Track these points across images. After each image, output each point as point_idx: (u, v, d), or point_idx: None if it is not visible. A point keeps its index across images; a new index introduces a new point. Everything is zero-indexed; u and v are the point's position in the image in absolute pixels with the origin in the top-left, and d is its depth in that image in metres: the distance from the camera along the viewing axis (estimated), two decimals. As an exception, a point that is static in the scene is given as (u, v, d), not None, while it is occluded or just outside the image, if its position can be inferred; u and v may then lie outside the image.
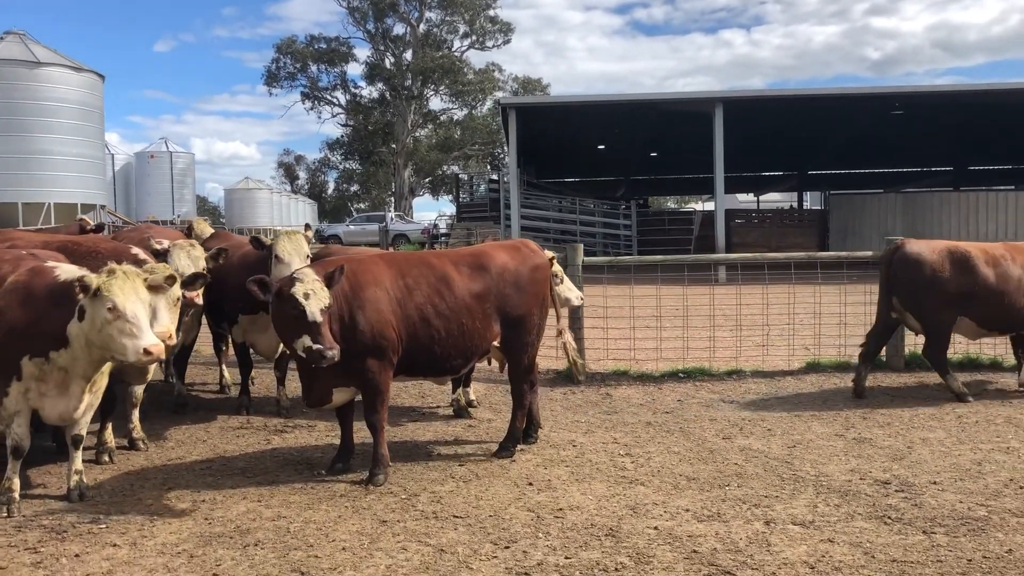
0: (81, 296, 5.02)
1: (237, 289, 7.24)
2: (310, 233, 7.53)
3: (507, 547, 4.78)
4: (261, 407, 8.22)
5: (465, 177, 40.88)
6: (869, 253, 10.40)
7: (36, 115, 28.93)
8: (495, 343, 6.33)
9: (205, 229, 9.87)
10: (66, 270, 5.45)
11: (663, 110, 24.79)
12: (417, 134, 65.03)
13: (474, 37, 63.59)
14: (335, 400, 5.95)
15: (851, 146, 33.62)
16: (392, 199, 71.00)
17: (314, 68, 63.44)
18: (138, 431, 6.82)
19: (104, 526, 5.12)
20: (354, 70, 64.34)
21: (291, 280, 5.58)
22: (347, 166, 73.80)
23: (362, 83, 63.24)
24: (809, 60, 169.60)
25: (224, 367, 9.28)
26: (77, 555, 4.69)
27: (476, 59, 64.68)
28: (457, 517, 5.26)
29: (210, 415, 7.98)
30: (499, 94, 66.90)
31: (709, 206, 62.75)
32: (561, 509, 5.38)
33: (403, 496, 5.65)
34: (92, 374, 5.28)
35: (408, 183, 65.18)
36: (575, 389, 9.00)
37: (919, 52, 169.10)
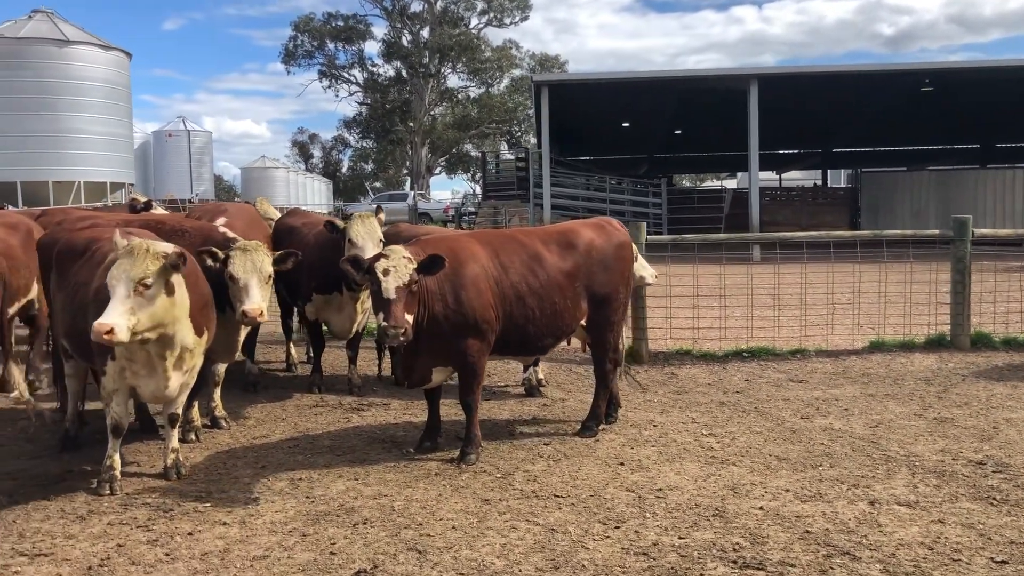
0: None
1: (313, 268, 7.28)
2: (382, 216, 7.50)
3: (617, 527, 4.77)
4: (330, 385, 8.24)
5: (492, 155, 40.62)
6: (936, 231, 10.27)
7: (65, 94, 29.00)
8: (582, 322, 6.30)
9: (268, 209, 9.88)
10: (161, 247, 5.41)
11: (695, 87, 24.58)
12: (434, 112, 64.73)
13: (491, 14, 63.10)
14: (434, 380, 5.94)
15: (877, 123, 33.28)
16: (408, 178, 70.92)
17: (331, 46, 63.19)
18: (220, 410, 6.84)
19: (209, 504, 5.15)
20: (371, 48, 64.11)
21: (378, 256, 5.56)
22: (364, 145, 73.56)
23: (379, 61, 62.92)
24: (822, 37, 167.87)
25: (291, 346, 9.30)
26: (190, 533, 4.71)
27: (492, 37, 64.11)
28: (558, 496, 5.26)
29: (283, 393, 8.01)
30: (516, 72, 66.63)
31: (729, 184, 62.75)
32: (660, 489, 5.37)
33: (498, 475, 5.65)
34: (164, 351, 5.17)
35: (425, 162, 65.01)
36: (639, 368, 8.97)
37: (934, 27, 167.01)
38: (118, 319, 4.67)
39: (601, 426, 6.63)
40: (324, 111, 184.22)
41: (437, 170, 73.10)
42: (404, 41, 61.95)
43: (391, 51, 61.90)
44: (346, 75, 64.34)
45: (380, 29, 62.67)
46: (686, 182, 77.29)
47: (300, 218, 9.34)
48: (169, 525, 4.83)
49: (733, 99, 25.13)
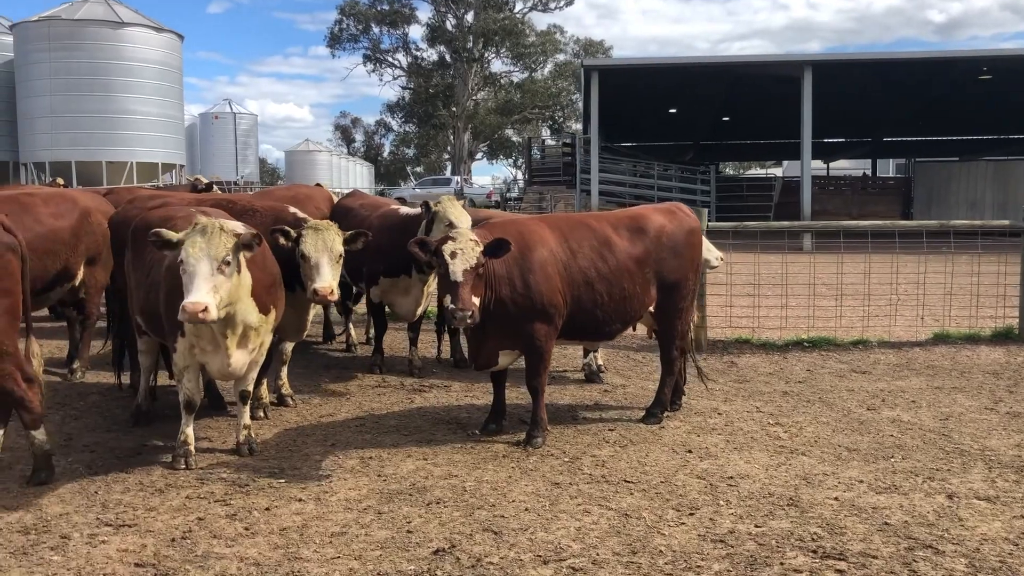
0: (165, 251, 5.03)
1: (380, 250, 7.30)
2: (464, 201, 7.57)
3: (691, 514, 4.74)
4: (390, 366, 8.29)
5: (537, 141, 40.46)
6: (1006, 222, 10.03)
7: (119, 75, 29.43)
8: (650, 308, 6.26)
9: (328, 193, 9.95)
10: (234, 227, 5.47)
11: (747, 73, 24.24)
12: (477, 97, 64.63)
13: (536, -1, 62.77)
14: (501, 363, 5.95)
15: (930, 112, 32.58)
16: (449, 163, 71.02)
17: (376, 30, 63.32)
18: (287, 387, 6.92)
19: (283, 481, 5.21)
20: (415, 32, 64.24)
21: (445, 238, 5.56)
22: (406, 129, 73.72)
23: (423, 45, 62.95)
24: (869, 24, 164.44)
25: (351, 326, 9.38)
26: (267, 509, 4.77)
27: (536, 21, 63.80)
28: (628, 482, 5.24)
29: (345, 373, 8.08)
30: (560, 57, 66.33)
31: (774, 172, 61.90)
32: (731, 477, 5.32)
33: (565, 459, 5.65)
34: (225, 329, 5.21)
35: (467, 147, 65.04)
36: (697, 356, 8.88)
37: (986, 15, 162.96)
38: (208, 297, 4.73)
39: (666, 413, 6.59)
40: (366, 95, 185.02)
41: (478, 155, 73.12)
42: (448, 25, 61.89)
43: (435, 35, 61.91)
44: (390, 59, 64.50)
45: (425, 13, 62.72)
46: (729, 170, 76.54)
47: (358, 199, 9.39)
48: (246, 500, 4.89)
49: (784, 86, 24.73)
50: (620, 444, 5.99)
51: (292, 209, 6.61)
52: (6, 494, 4.95)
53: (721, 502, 4.91)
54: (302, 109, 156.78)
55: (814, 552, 4.25)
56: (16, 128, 31.26)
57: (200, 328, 5.19)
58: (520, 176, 79.40)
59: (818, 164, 58.65)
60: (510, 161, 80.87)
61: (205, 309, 4.69)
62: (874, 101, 30.84)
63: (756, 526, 4.58)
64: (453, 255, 5.38)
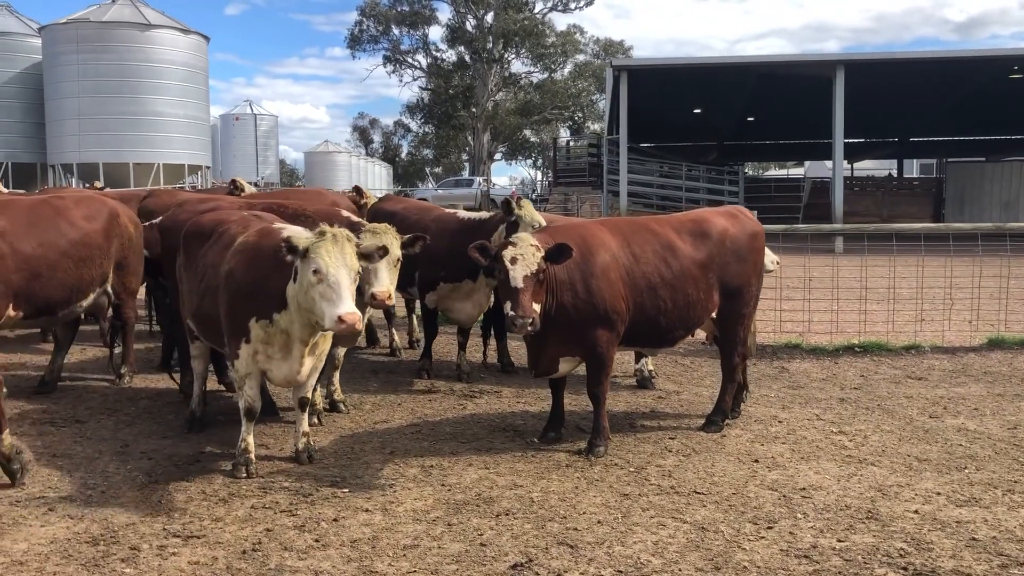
0: (290, 257, 4.88)
1: (439, 256, 7.20)
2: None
3: (769, 527, 4.62)
4: (437, 371, 8.20)
5: (563, 141, 40.30)
6: (1063, 225, 9.81)
7: (146, 77, 29.53)
8: (713, 314, 6.13)
9: (369, 197, 9.87)
10: (293, 231, 5.39)
11: (777, 73, 24.01)
12: (496, 98, 64.53)
13: (557, -1, 62.62)
14: (562, 370, 5.84)
15: (959, 111, 32.16)
16: (468, 163, 70.97)
17: (396, 31, 63.34)
18: (340, 393, 6.84)
19: (347, 490, 5.12)
20: (435, 34, 64.22)
21: (505, 244, 5.46)
22: (426, 130, 73.70)
23: (443, 46, 62.92)
24: (888, 23, 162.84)
25: (393, 330, 9.29)
26: (335, 519, 4.68)
27: (556, 22, 63.69)
28: (698, 494, 5.11)
29: (393, 378, 8.00)
30: (580, 57, 66.12)
31: (795, 172, 61.43)
32: (803, 489, 5.19)
33: (630, 469, 5.53)
34: (309, 337, 5.18)
35: (487, 147, 64.98)
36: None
37: (1006, 14, 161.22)
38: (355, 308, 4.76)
39: (726, 421, 6.47)
40: (383, 96, 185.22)
41: (497, 156, 73.03)
42: (468, 26, 61.84)
43: (455, 36, 61.88)
44: (410, 60, 64.52)
45: (445, 14, 62.60)
46: (748, 170, 75.97)
47: (398, 203, 9.28)
48: (312, 510, 4.81)
49: (812, 85, 24.48)
50: (684, 453, 5.87)
51: (345, 213, 6.52)
52: (70, 503, 4.88)
53: (798, 515, 4.78)
54: (318, 110, 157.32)
55: (904, 569, 4.11)
56: (44, 130, 31.49)
57: (274, 335, 5.15)
58: (539, 177, 79.33)
59: (842, 165, 58.18)
60: (529, 162, 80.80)
61: (359, 320, 4.74)
62: (902, 101, 30.50)
63: (839, 540, 4.44)
64: (513, 260, 5.28)
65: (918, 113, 32.94)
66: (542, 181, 69.94)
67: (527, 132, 70.43)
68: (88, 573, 4.06)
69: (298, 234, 5.17)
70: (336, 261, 4.79)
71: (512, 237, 5.63)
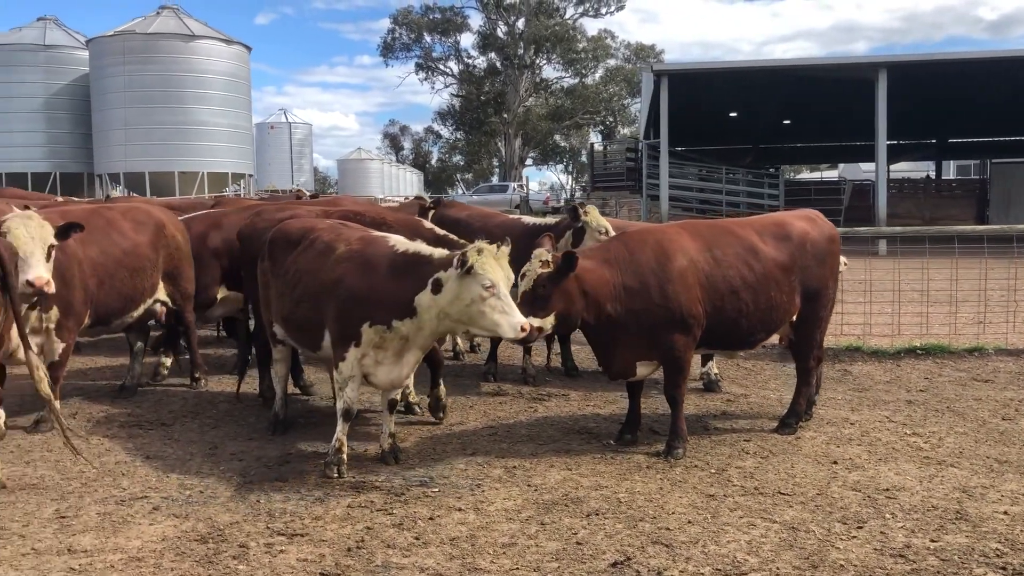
0: (443, 272, 5.07)
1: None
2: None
3: (859, 527, 4.67)
4: (502, 374, 8.31)
5: (600, 146, 40.37)
6: None
7: (190, 87, 30.00)
8: (793, 317, 6.19)
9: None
10: (398, 240, 5.55)
11: (818, 76, 23.91)
12: (528, 103, 64.69)
13: (588, 4, 62.72)
14: (639, 373, 5.92)
15: (1000, 111, 31.75)
16: (498, 169, 71.20)
17: (428, 39, 63.76)
18: (414, 395, 6.97)
19: (436, 490, 5.24)
20: (467, 40, 64.57)
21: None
22: (457, 136, 74.04)
23: (474, 52, 63.25)
24: (918, 23, 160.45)
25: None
26: (431, 518, 4.80)
27: (586, 27, 63.69)
28: (783, 494, 5.17)
29: (458, 381, 8.10)
30: (611, 62, 66.15)
31: (829, 174, 60.93)
32: (887, 489, 5.23)
33: (711, 471, 5.60)
34: (430, 344, 5.37)
35: (518, 153, 65.17)
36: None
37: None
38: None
39: (799, 423, 6.51)
40: (411, 103, 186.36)
41: (528, 161, 73.18)
42: (500, 32, 62.13)
43: (487, 43, 62.20)
44: (442, 67, 64.90)
45: (476, 21, 62.99)
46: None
47: (462, 210, 9.40)
48: (407, 509, 4.93)
49: (850, 88, 24.36)
50: (761, 455, 5.93)
51: (428, 224, 6.65)
52: (172, 503, 5.05)
53: (886, 515, 4.83)
54: (348, 118, 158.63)
55: (1003, 569, 4.15)
56: (91, 140, 32.16)
57: (390, 341, 5.30)
58: (568, 182, 79.36)
59: (873, 167, 57.66)
60: (561, 167, 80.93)
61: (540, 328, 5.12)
62: (942, 102, 30.21)
63: (932, 541, 4.48)
64: (522, 276, 5.52)
65: (958, 114, 32.60)
66: (572, 186, 70.07)
67: (557, 137, 70.60)
68: (203, 569, 4.20)
69: (408, 244, 5.42)
70: (500, 275, 5.03)
71: (537, 250, 5.69)
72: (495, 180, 67.60)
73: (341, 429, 5.52)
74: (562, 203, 42.25)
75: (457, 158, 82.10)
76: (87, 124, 32.55)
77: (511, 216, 8.44)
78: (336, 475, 5.41)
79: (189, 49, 30.18)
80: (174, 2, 31.35)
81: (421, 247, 5.40)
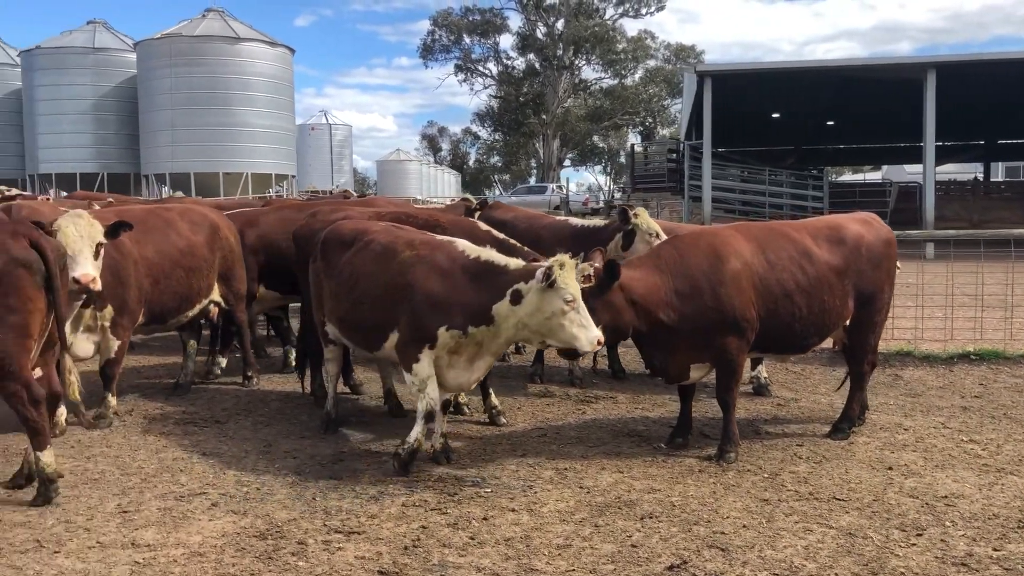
0: (523, 283, 5.13)
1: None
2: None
3: (919, 534, 4.61)
4: (548, 376, 8.32)
5: (640, 147, 40.18)
6: None
7: (235, 89, 30.41)
8: (846, 321, 6.13)
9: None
10: (466, 245, 5.59)
11: (859, 77, 23.61)
12: (566, 104, 64.58)
13: (627, 5, 62.43)
14: (692, 377, 5.90)
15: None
16: (536, 170, 71.18)
17: (467, 40, 63.93)
18: (463, 396, 6.99)
19: (489, 491, 5.27)
20: (506, 42, 64.63)
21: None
22: (496, 137, 74.13)
23: (513, 54, 63.29)
24: (963, 23, 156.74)
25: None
26: (484, 518, 4.83)
27: (626, 27, 63.42)
28: (838, 500, 5.12)
29: (504, 383, 8.10)
30: (651, 63, 65.81)
31: (872, 176, 60.05)
32: (945, 497, 5.16)
33: (764, 475, 5.56)
34: (503, 351, 5.42)
35: (556, 154, 65.09)
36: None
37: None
38: None
39: (852, 428, 6.44)
40: (448, 104, 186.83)
41: (566, 162, 73.06)
42: (539, 34, 62.10)
43: (526, 44, 62.21)
44: (481, 68, 65.04)
45: (515, 23, 63.02)
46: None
47: (508, 212, 9.42)
48: (460, 509, 4.96)
49: (897, 88, 24.01)
50: (815, 460, 5.87)
51: (483, 226, 6.67)
52: (230, 499, 5.13)
53: (946, 523, 4.76)
54: (386, 119, 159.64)
55: (1069, 579, 4.07)
56: (138, 141, 32.79)
57: (464, 346, 5.36)
58: (606, 182, 79.05)
59: (918, 168, 56.71)
60: (599, 168, 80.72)
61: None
62: (992, 102, 29.66)
63: (994, 550, 4.42)
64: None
65: (1008, 115, 31.96)
66: (611, 187, 69.80)
67: (595, 138, 70.43)
68: (263, 565, 4.27)
69: (476, 251, 5.50)
70: (576, 288, 5.09)
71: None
72: (532, 181, 67.62)
73: (421, 429, 5.48)
74: (601, 204, 42.11)
75: (494, 159, 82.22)
76: (134, 125, 33.19)
77: (558, 218, 8.42)
78: (405, 474, 5.40)
79: (234, 51, 30.61)
80: (219, 4, 32.00)
81: (494, 255, 5.45)
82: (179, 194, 17.02)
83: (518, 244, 6.29)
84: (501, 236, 6.46)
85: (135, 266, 6.85)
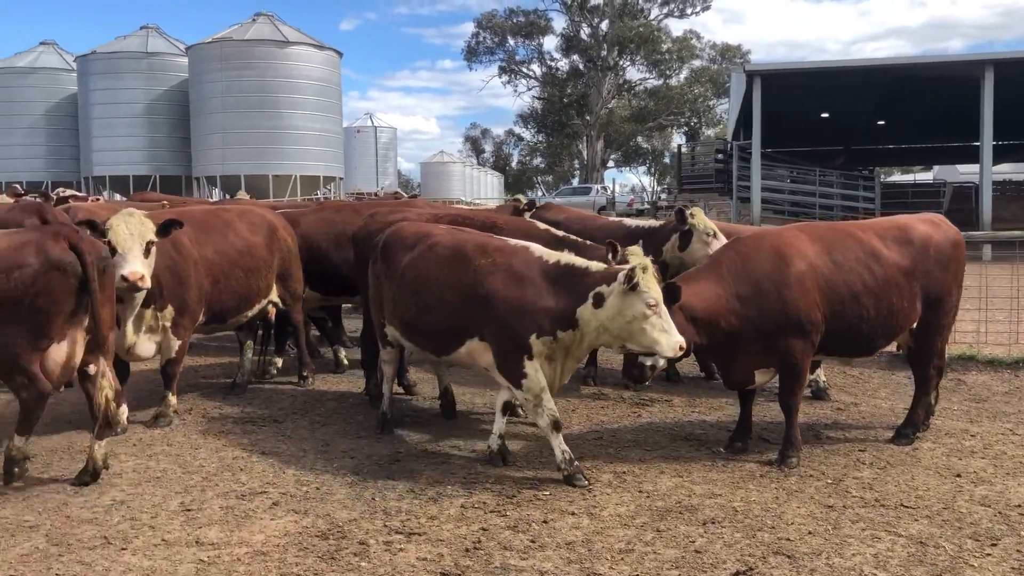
0: (604, 286, 5.08)
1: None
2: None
3: (993, 544, 4.48)
4: (601, 378, 8.25)
5: (687, 148, 39.87)
6: None
7: (284, 92, 30.74)
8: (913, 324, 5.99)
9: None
10: (543, 250, 5.56)
11: (912, 75, 23.14)
12: (611, 105, 64.28)
13: (672, 5, 61.98)
14: (757, 381, 5.82)
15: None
16: (579, 171, 70.94)
17: (511, 42, 63.97)
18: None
19: (547, 493, 5.23)
20: (550, 43, 64.35)
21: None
22: (539, 139, 74.04)
23: (557, 55, 63.17)
24: (1017, 18, 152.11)
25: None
26: (544, 521, 4.80)
27: (671, 27, 62.99)
28: (906, 507, 5.00)
29: (560, 385, 8.07)
30: (696, 63, 65.24)
31: (922, 177, 58.80)
32: (1019, 506, 5.01)
33: (828, 481, 5.45)
34: (585, 356, 5.40)
35: (600, 155, 64.84)
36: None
37: None
38: None
39: (917, 434, 6.29)
40: (491, 106, 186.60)
41: (609, 163, 72.71)
42: (583, 35, 61.95)
43: (570, 45, 62.07)
44: (524, 70, 65.04)
45: (559, 24, 62.97)
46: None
47: (560, 213, 9.35)
48: (520, 512, 4.93)
49: (951, 87, 23.48)
50: (878, 466, 5.74)
51: (542, 226, 6.63)
52: (291, 499, 5.16)
53: (1022, 533, 4.62)
54: (429, 122, 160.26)
55: None
56: (189, 144, 33.39)
57: (556, 351, 5.33)
58: (649, 183, 78.56)
59: (971, 168, 55.46)
60: (643, 168, 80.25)
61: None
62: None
63: (1076, 561, 4.27)
64: None
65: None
66: (656, 188, 69.36)
67: (639, 139, 70.02)
68: (326, 565, 4.28)
69: (577, 259, 5.45)
70: (660, 292, 5.04)
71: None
72: (575, 182, 67.44)
73: (559, 441, 5.41)
74: (646, 205, 41.85)
75: (537, 160, 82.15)
76: (186, 128, 33.77)
77: (611, 218, 8.35)
78: (584, 483, 5.31)
79: (284, 55, 30.97)
80: (267, 9, 32.38)
81: (573, 258, 5.42)
82: (244, 195, 17.15)
83: (581, 240, 6.24)
84: (561, 234, 6.41)
85: (195, 266, 6.93)
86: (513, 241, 5.72)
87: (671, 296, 5.25)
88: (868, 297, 5.66)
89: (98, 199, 15.13)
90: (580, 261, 5.38)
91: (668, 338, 5.01)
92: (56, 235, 5.22)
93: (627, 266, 5.07)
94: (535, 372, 5.33)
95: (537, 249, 5.55)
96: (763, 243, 5.76)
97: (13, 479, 5.31)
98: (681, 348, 5.04)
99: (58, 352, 5.21)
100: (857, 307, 5.65)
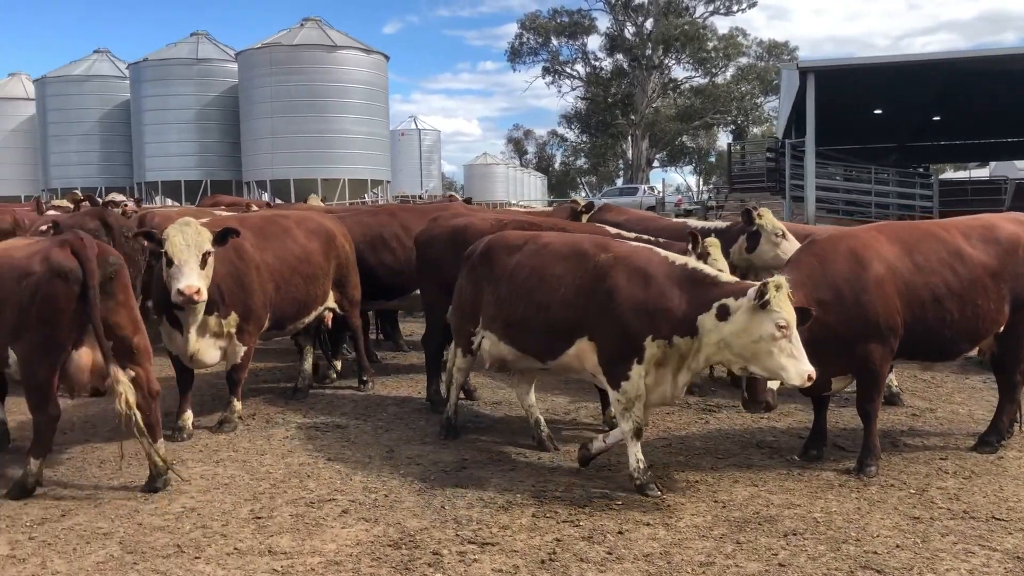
0: (732, 299, 4.85)
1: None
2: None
3: (1096, 561, 4.26)
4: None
5: (737, 147, 39.37)
6: None
7: (333, 96, 30.97)
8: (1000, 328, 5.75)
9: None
10: (668, 252, 5.44)
11: (969, 70, 22.53)
12: (656, 104, 63.79)
13: (718, 2, 61.32)
14: (834, 388, 5.64)
15: None
16: (623, 171, 70.50)
17: (555, 42, 63.81)
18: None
19: (619, 502, 5.11)
20: (593, 43, 64.22)
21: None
22: (583, 139, 73.75)
23: (601, 54, 62.87)
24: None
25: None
26: (619, 532, 4.69)
27: (717, 25, 62.34)
28: (998, 519, 4.80)
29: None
30: (742, 60, 64.45)
31: (977, 173, 57.40)
32: (1120, 520, 4.77)
33: (911, 491, 5.26)
34: (702, 369, 5.23)
35: (645, 154, 64.39)
36: (988, 378, 8.18)
37: None
38: None
39: (1001, 442, 6.05)
40: (532, 107, 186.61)
41: (655, 162, 72.18)
42: (627, 33, 61.57)
43: (614, 44, 61.74)
44: (568, 70, 64.86)
45: (603, 23, 62.62)
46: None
47: (620, 214, 9.24)
48: (593, 522, 4.82)
49: (1010, 81, 22.80)
50: (963, 475, 5.53)
51: (612, 230, 6.52)
52: (360, 506, 5.11)
53: (1124, 548, 4.39)
54: (471, 123, 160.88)
55: None
56: (239, 149, 33.85)
57: (670, 357, 5.12)
58: (695, 182, 77.80)
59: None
60: (689, 168, 79.56)
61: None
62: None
63: None
64: None
65: None
66: (703, 187, 68.61)
67: (684, 138, 69.42)
68: (400, 575, 4.21)
69: (707, 267, 5.35)
70: (794, 315, 4.76)
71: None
72: (619, 183, 67.07)
73: (637, 449, 5.29)
74: (695, 205, 41.39)
75: (580, 161, 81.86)
76: (236, 133, 34.25)
77: (674, 219, 8.20)
78: (659, 492, 5.18)
79: (331, 59, 31.21)
80: (314, 13, 32.66)
81: (704, 266, 5.28)
82: (316, 200, 17.07)
83: (658, 240, 6.11)
84: (632, 236, 6.30)
85: (258, 272, 6.92)
86: (635, 243, 5.60)
87: (802, 318, 4.92)
88: (952, 300, 5.44)
89: (126, 205, 15.25)
90: (711, 270, 5.21)
91: (797, 365, 4.69)
92: (62, 243, 5.27)
93: (759, 282, 4.82)
94: (638, 378, 5.14)
95: (662, 251, 5.41)
96: (840, 246, 5.57)
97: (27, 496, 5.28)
98: (810, 378, 4.71)
99: (82, 358, 5.23)
100: (940, 310, 5.44)
